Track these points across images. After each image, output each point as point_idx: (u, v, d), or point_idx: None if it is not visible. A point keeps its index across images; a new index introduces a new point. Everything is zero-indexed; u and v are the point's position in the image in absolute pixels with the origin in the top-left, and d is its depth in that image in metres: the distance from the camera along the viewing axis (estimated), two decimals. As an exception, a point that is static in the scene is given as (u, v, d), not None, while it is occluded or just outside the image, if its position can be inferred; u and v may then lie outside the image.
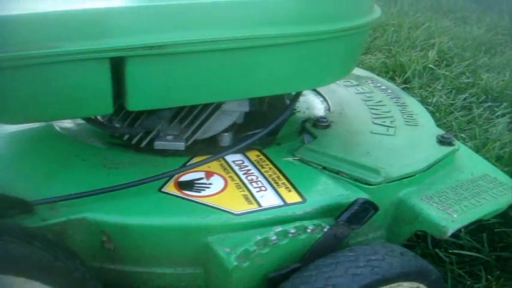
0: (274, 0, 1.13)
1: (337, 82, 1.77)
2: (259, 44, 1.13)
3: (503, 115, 2.35)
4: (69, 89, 1.03)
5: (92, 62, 1.01)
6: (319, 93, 1.70)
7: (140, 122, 1.31)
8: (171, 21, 1.04)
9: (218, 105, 1.31)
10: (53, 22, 0.97)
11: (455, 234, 1.44)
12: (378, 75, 2.12)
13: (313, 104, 1.65)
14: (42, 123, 1.41)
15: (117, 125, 1.34)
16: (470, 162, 1.49)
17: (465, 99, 2.51)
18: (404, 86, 2.59)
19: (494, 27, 3.89)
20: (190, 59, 1.09)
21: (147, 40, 1.02)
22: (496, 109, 2.42)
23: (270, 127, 1.35)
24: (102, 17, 1.00)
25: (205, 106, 1.31)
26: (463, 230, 1.49)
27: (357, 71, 1.83)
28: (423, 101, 2.29)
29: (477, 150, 1.82)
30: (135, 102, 1.10)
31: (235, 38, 1.09)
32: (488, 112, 2.38)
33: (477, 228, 1.52)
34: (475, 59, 3.06)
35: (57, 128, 1.41)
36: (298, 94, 1.43)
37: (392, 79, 2.65)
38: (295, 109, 1.54)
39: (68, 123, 1.44)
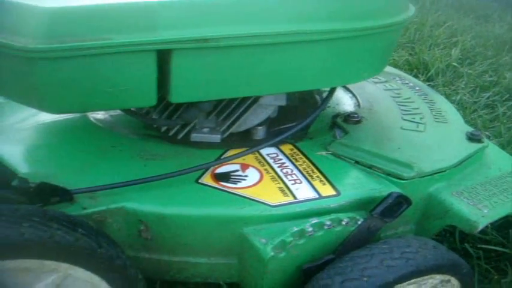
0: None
1: (366, 79, 1.80)
2: (300, 39, 1.14)
3: (526, 114, 2.36)
4: (116, 80, 1.06)
5: (139, 54, 1.04)
6: (348, 89, 1.73)
7: (179, 114, 1.34)
8: (216, 15, 1.07)
9: (256, 99, 1.33)
10: (104, 14, 1.00)
11: (482, 230, 1.45)
12: (402, 73, 2.14)
13: (342, 100, 1.67)
14: (77, 114, 1.44)
15: (155, 117, 1.37)
16: (497, 159, 1.51)
17: (488, 97, 2.52)
18: (428, 83, 2.58)
19: (516, 26, 3.91)
20: (234, 53, 1.11)
21: (193, 34, 1.04)
22: (520, 107, 2.43)
23: (306, 121, 1.37)
24: (152, 10, 1.02)
25: (243, 100, 1.33)
26: (489, 225, 1.50)
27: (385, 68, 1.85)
28: (447, 99, 2.30)
29: (502, 147, 1.82)
30: (178, 95, 1.13)
31: (277, 33, 1.11)
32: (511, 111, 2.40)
33: (503, 224, 1.53)
34: (497, 58, 3.08)
35: (92, 119, 1.44)
36: (334, 89, 1.45)
37: (415, 77, 2.64)
38: (325, 104, 1.56)
39: (102, 115, 1.47)
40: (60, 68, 1.01)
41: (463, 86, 2.62)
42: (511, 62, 3.05)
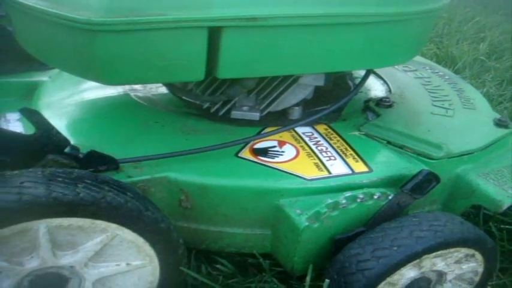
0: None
1: (396, 67, 1.84)
2: (342, 21, 1.18)
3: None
4: (169, 54, 1.10)
5: (192, 30, 1.08)
6: (379, 76, 1.77)
7: (223, 91, 1.38)
8: None
9: (295, 79, 1.38)
10: None
11: (505, 213, 1.49)
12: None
13: (374, 86, 1.72)
14: (120, 92, 1.50)
15: (198, 93, 1.42)
16: None
17: None
18: None
19: (545, 23, 3.90)
20: (280, 32, 1.15)
21: (243, 12, 1.09)
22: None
23: (341, 102, 1.42)
24: None
25: (284, 79, 1.38)
26: None
27: (415, 58, 1.90)
28: None
29: None
30: (225, 70, 1.17)
31: (322, 14, 1.15)
32: (536, 103, 2.42)
33: None
34: None
35: (134, 97, 1.49)
36: (368, 73, 1.50)
37: (443, 69, 2.70)
38: (357, 89, 1.61)
39: (143, 93, 1.52)
40: (119, 41, 1.06)
41: (490, 79, 2.65)
42: (538, 57, 3.06)
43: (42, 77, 1.62)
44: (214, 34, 1.12)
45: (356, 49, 1.26)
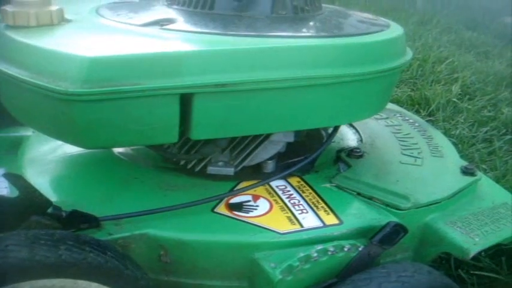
0: (322, 46, 1.26)
1: (368, 116, 1.90)
2: (307, 83, 1.24)
3: (522, 148, 2.43)
4: (144, 119, 1.15)
5: (165, 97, 1.14)
6: (351, 126, 1.82)
7: (197, 149, 1.43)
8: (232, 63, 1.17)
9: (267, 136, 1.43)
10: (136, 62, 1.10)
11: (476, 258, 1.52)
12: (404, 108, 2.22)
13: (346, 136, 1.76)
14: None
15: (174, 152, 1.46)
16: (491, 192, 1.59)
17: (486, 132, 2.59)
18: (429, 118, 2.67)
19: (515, 62, 3.96)
20: (248, 96, 1.21)
21: (212, 79, 1.15)
22: (516, 142, 2.49)
23: (313, 156, 1.47)
24: (176, 59, 1.12)
25: (256, 136, 1.43)
26: (483, 253, 1.57)
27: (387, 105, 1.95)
28: (446, 133, 2.36)
29: (497, 180, 1.90)
30: (198, 132, 1.22)
31: (287, 78, 1.21)
32: (508, 145, 2.46)
33: (496, 252, 1.60)
34: (496, 94, 3.14)
35: (114, 152, 1.53)
36: (338, 126, 1.55)
37: (417, 112, 2.73)
38: (331, 140, 1.66)
39: (123, 148, 1.56)
40: (96, 110, 1.11)
41: (462, 121, 2.68)
42: (509, 97, 3.11)
43: (27, 132, 1.67)
44: (186, 100, 1.17)
45: (323, 108, 1.32)
